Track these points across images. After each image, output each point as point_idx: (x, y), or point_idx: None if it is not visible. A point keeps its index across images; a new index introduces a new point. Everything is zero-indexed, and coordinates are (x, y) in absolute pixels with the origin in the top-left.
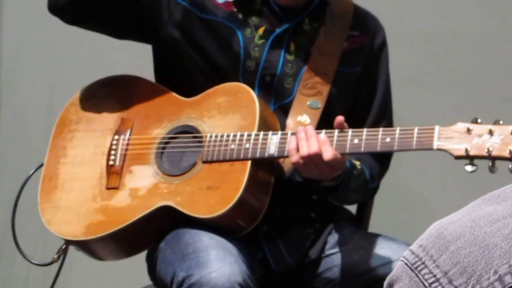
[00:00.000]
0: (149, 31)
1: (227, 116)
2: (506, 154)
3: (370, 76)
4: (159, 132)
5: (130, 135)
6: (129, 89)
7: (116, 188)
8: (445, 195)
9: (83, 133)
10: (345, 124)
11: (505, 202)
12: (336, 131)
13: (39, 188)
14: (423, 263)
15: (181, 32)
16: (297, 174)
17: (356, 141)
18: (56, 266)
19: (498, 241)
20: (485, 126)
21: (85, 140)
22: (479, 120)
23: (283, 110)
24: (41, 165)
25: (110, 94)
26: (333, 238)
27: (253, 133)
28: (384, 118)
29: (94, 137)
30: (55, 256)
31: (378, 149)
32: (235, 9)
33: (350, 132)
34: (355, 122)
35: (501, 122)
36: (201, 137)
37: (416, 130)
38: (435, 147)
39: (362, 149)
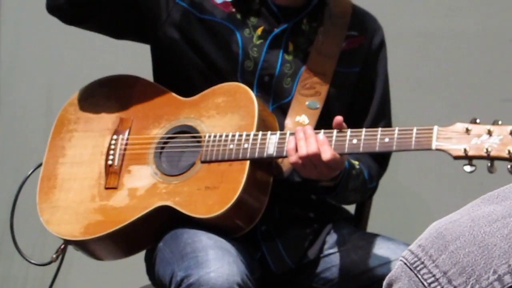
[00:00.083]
0: (148, 31)
1: (225, 116)
2: (505, 154)
3: (368, 76)
4: (158, 132)
5: (128, 135)
6: (127, 89)
7: (115, 188)
8: (443, 196)
9: (81, 133)
10: (344, 124)
11: (504, 202)
12: (335, 131)
13: (37, 188)
14: (422, 263)
15: (179, 32)
16: (295, 174)
17: (354, 141)
18: (54, 266)
19: (498, 241)
20: (484, 126)
21: (83, 140)
22: (477, 121)
23: (282, 110)
24: (40, 165)
25: (108, 94)
26: (332, 238)
27: (252, 133)
28: (383, 118)
29: (92, 137)
30: (54, 256)
31: (377, 149)
32: (233, 10)
33: (348, 132)
34: (354, 122)
35: (500, 122)
36: (200, 137)
37: (415, 130)
38: (434, 147)
39: (361, 149)
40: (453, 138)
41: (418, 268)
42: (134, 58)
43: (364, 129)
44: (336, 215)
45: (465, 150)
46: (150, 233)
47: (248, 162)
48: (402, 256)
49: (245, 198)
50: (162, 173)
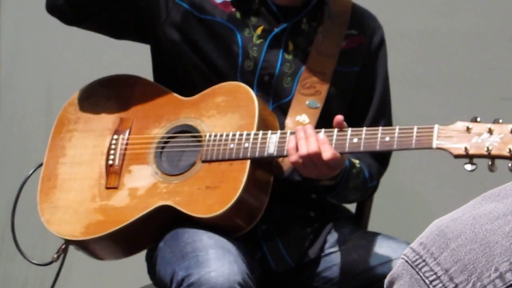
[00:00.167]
0: (147, 31)
1: (226, 115)
2: (505, 153)
3: (368, 75)
4: (158, 131)
5: (129, 134)
6: (128, 88)
7: (115, 188)
8: (444, 194)
9: (82, 133)
10: (344, 123)
11: (505, 199)
12: (335, 130)
13: (38, 188)
14: (424, 260)
15: (179, 32)
16: (296, 173)
17: (355, 140)
18: (55, 266)
19: (499, 239)
20: (484, 125)
21: (84, 140)
22: (478, 119)
23: (282, 110)
24: (40, 165)
25: (108, 94)
26: (333, 237)
27: (252, 132)
28: (383, 117)
29: (93, 137)
30: (55, 256)
31: (378, 148)
32: (233, 9)
33: (349, 131)
34: (354, 121)
35: (500, 121)
36: (200, 136)
37: (415, 129)
38: (434, 146)
39: (362, 148)
40: (453, 137)
41: (419, 266)
42: (134, 58)
43: (364, 128)
44: (337, 214)
45: (465, 148)
46: (151, 233)
47: (248, 162)
48: (404, 254)
49: (246, 198)
50: (162, 173)
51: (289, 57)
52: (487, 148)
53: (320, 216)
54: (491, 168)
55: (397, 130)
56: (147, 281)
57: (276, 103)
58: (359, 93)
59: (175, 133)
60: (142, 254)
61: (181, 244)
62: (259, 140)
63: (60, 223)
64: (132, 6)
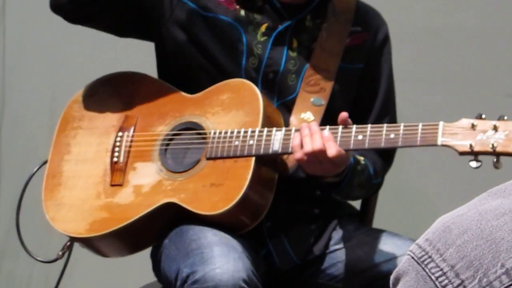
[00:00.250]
0: (151, 29)
1: (230, 112)
2: (510, 150)
3: (372, 72)
4: (163, 129)
5: (133, 132)
6: (132, 86)
7: (120, 185)
8: (449, 191)
9: (86, 130)
10: (349, 120)
11: (511, 195)
12: (340, 127)
13: (43, 185)
14: (430, 257)
15: (183, 30)
16: (300, 170)
17: (360, 137)
18: (59, 263)
19: (505, 235)
20: (489, 122)
21: (88, 137)
22: (483, 116)
23: (286, 108)
24: (45, 162)
25: (113, 91)
26: (337, 234)
27: (257, 129)
28: (387, 114)
29: (97, 134)
30: (60, 253)
31: (382, 145)
32: (237, 7)
33: (354, 128)
34: (358, 118)
35: (505, 118)
36: (205, 133)
37: (420, 126)
38: (439, 143)
39: (366, 145)
40: (458, 134)
41: (425, 262)
42: (139, 56)
43: (369, 125)
44: (342, 211)
45: (470, 146)
46: (156, 230)
47: (253, 159)
48: (410, 250)
49: (251, 195)
50: (167, 170)
51: (293, 54)
52: (492, 145)
53: (325, 213)
54: (496, 165)
55: (402, 127)
56: (152, 278)
57: (280, 101)
58: (364, 90)
59: (179, 130)
60: (147, 251)
61: (186, 241)
62: (264, 137)
63: (65, 220)
64: (136, 4)
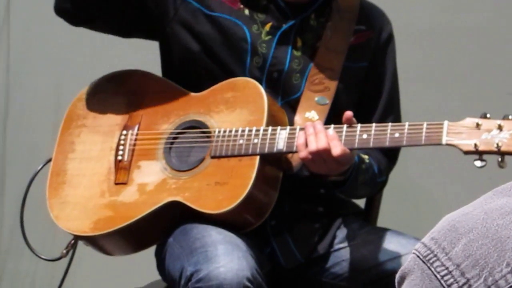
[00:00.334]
0: (155, 29)
1: (235, 111)
2: None
3: (377, 70)
4: (167, 127)
5: (138, 130)
6: (136, 84)
7: (125, 184)
8: (453, 190)
9: (90, 129)
10: (354, 119)
11: None
12: (345, 126)
13: (47, 183)
14: (435, 255)
15: (187, 30)
16: (305, 169)
17: (365, 136)
18: (64, 261)
19: (510, 234)
20: (494, 121)
21: (92, 136)
22: (488, 115)
23: (291, 107)
24: (49, 160)
25: (117, 89)
26: (342, 232)
27: (262, 128)
28: (391, 113)
29: (101, 132)
30: (64, 251)
31: (387, 144)
32: (241, 6)
33: (358, 127)
34: (363, 116)
35: (510, 117)
36: (209, 132)
37: (425, 126)
38: (444, 142)
39: (371, 144)
40: (463, 133)
41: (431, 261)
42: (143, 54)
43: (374, 124)
44: (346, 210)
45: (475, 145)
46: (160, 229)
47: (258, 158)
48: (415, 248)
49: (255, 194)
50: (171, 169)
51: (297, 53)
52: (497, 144)
53: (329, 211)
54: (501, 165)
55: (406, 126)
56: (156, 276)
57: (284, 100)
58: (368, 89)
59: (184, 128)
60: (151, 249)
61: (190, 239)
62: (268, 136)
63: (69, 218)
64: (139, 4)
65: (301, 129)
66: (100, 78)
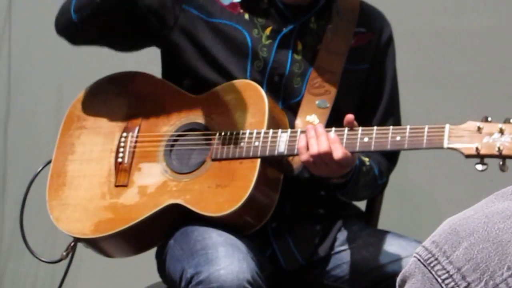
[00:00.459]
0: (156, 40)
1: (235, 113)
2: None
3: (377, 72)
4: (168, 129)
5: (138, 132)
6: (137, 86)
7: (125, 186)
8: (454, 193)
9: (91, 130)
10: (355, 123)
11: None
12: (346, 129)
13: (47, 185)
14: (436, 259)
15: (187, 37)
16: (305, 171)
17: (366, 139)
18: (64, 263)
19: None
20: (495, 124)
21: (93, 137)
22: (489, 119)
23: (292, 110)
24: (49, 162)
25: (118, 91)
26: (343, 235)
27: (263, 130)
28: (392, 115)
29: (102, 134)
30: (64, 253)
31: (389, 147)
32: (241, 11)
33: (360, 130)
34: (363, 119)
35: (511, 120)
36: (210, 134)
37: (426, 129)
38: (445, 146)
39: (372, 148)
40: (464, 137)
41: (432, 265)
42: (144, 55)
43: (375, 128)
44: (347, 212)
45: (477, 148)
46: (161, 231)
47: (259, 160)
48: (416, 252)
49: (256, 196)
50: (172, 171)
51: (298, 57)
52: (498, 148)
53: (330, 213)
54: (502, 168)
55: (408, 130)
56: (157, 278)
57: (285, 104)
58: (368, 91)
59: (184, 131)
60: (152, 251)
61: (190, 241)
62: (270, 138)
63: (70, 220)
64: (139, 21)
65: (302, 131)
66: (101, 79)
